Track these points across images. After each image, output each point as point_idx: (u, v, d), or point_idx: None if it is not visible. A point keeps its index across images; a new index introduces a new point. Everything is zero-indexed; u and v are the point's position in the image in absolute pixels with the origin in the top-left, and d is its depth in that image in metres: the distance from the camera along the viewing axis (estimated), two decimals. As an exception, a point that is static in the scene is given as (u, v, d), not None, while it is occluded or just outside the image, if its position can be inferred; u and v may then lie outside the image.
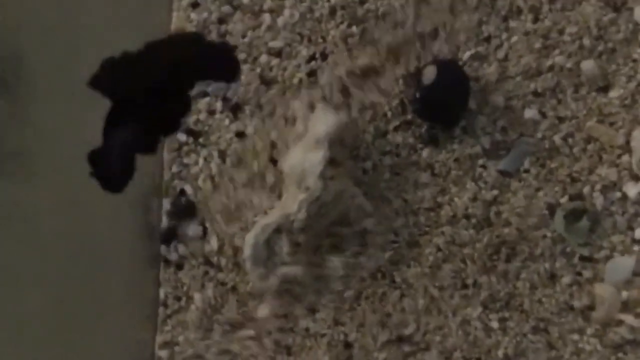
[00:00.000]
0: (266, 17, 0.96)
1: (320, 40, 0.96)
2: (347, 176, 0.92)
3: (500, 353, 0.94)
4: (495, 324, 0.93)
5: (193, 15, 0.97)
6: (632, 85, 0.93)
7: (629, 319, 0.92)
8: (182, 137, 0.96)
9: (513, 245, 0.94)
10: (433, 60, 0.91)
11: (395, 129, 0.95)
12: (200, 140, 0.97)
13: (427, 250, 0.94)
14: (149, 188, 0.94)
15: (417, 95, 0.91)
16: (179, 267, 0.96)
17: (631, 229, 0.93)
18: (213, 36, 0.96)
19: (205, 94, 0.96)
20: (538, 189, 0.94)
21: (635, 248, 0.93)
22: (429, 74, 0.90)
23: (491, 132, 0.94)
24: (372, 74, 0.94)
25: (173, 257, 0.95)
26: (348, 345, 0.95)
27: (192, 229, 0.95)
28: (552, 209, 0.94)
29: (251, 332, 0.95)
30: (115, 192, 0.71)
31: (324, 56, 0.95)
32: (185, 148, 0.96)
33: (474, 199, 0.94)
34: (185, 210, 0.95)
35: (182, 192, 0.96)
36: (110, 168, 0.70)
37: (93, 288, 0.86)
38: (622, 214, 0.93)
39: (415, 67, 0.92)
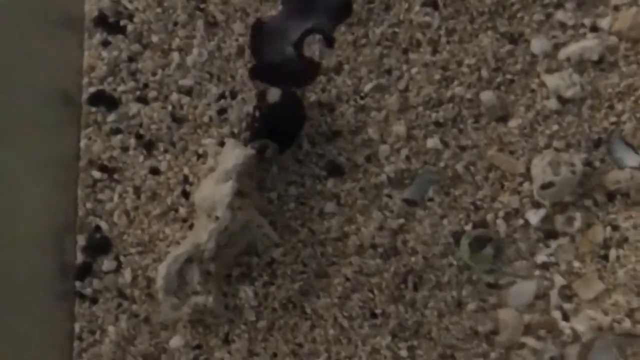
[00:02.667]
0: (175, 56, 1.03)
1: (229, 78, 1.03)
2: (253, 206, 0.99)
3: (409, 380, 0.99)
4: (404, 353, 1.00)
5: (104, 54, 1.04)
6: (530, 115, 0.99)
7: (531, 341, 0.98)
8: (96, 174, 1.02)
9: (420, 273, 1.00)
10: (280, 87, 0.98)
11: (299, 161, 1.01)
12: (115, 176, 1.03)
13: (335, 280, 1.01)
14: (63, 225, 1.01)
15: (257, 113, 0.98)
16: (94, 301, 1.02)
17: (533, 254, 0.99)
18: (124, 74, 1.03)
19: (118, 130, 1.03)
20: (443, 217, 1.00)
21: (537, 273, 0.99)
22: (272, 95, 0.98)
23: (395, 161, 1.00)
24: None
25: (87, 291, 1.01)
26: (262, 375, 1.01)
27: (107, 264, 1.02)
28: (457, 236, 1.00)
29: (165, 364, 1.01)
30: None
31: (233, 94, 1.02)
32: (99, 184, 1.03)
33: (380, 228, 1.00)
34: (99, 245, 1.02)
35: (97, 228, 1.02)
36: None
37: (8, 324, 0.91)
38: (524, 240, 0.99)
39: (260, 91, 0.99)
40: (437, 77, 0.98)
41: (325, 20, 0.88)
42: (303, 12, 0.94)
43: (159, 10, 1.01)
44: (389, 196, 1.00)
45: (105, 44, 1.04)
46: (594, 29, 0.97)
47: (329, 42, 0.93)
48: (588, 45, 0.96)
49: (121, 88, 1.05)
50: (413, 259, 0.99)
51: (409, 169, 0.99)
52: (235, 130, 0.99)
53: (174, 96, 1.01)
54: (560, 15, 0.98)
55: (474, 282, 0.98)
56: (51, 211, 0.97)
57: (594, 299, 1.00)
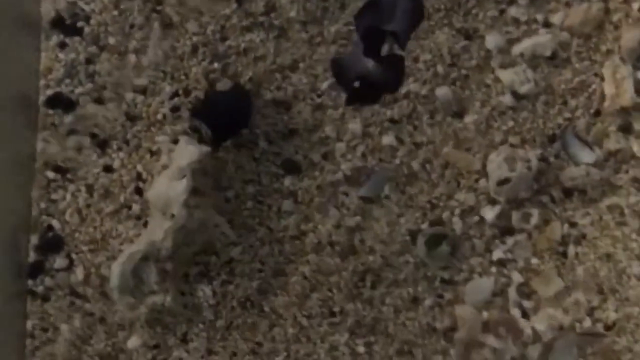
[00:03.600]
0: (131, 57, 1.04)
1: (183, 77, 1.04)
2: (210, 205, 1.00)
3: (366, 377, 1.00)
4: (361, 349, 1.01)
5: (61, 56, 1.05)
6: (486, 111, 1.01)
7: (490, 339, 0.99)
8: (50, 174, 1.03)
9: (378, 272, 1.01)
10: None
11: (255, 159, 1.02)
12: (68, 176, 1.04)
13: (293, 279, 1.02)
14: (16, 224, 1.01)
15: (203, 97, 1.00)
16: (45, 299, 1.02)
17: (489, 251, 1.01)
18: (81, 76, 1.04)
19: (74, 131, 1.04)
20: (399, 215, 1.02)
21: (493, 269, 1.01)
22: (223, 84, 0.99)
23: (351, 158, 1.02)
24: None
25: (39, 289, 1.02)
26: (221, 374, 1.01)
27: (59, 262, 1.02)
28: (413, 234, 1.01)
29: (122, 364, 1.01)
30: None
31: (187, 92, 1.04)
32: (53, 184, 1.03)
33: (338, 226, 1.02)
34: (52, 244, 1.02)
35: (50, 227, 1.03)
36: None
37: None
38: (480, 237, 1.01)
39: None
40: (392, 74, 0.99)
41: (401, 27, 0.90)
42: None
43: (115, 12, 1.03)
44: (346, 194, 1.01)
45: (62, 45, 1.06)
46: (547, 24, 1.00)
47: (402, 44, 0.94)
48: (541, 41, 0.99)
49: (78, 90, 1.06)
50: (371, 257, 1.01)
51: (365, 167, 1.00)
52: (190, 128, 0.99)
53: (129, 95, 1.01)
54: (513, 11, 1.00)
55: (430, 279, 0.99)
56: (6, 212, 0.98)
57: (553, 296, 1.01)
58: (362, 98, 0.88)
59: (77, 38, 1.06)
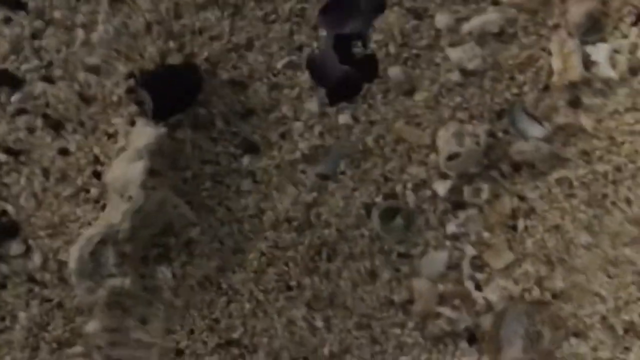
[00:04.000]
0: (80, 33, 1.03)
1: (137, 56, 1.04)
2: (168, 186, 1.01)
3: (326, 351, 1.04)
4: (319, 323, 1.04)
5: (6, 31, 1.03)
6: (435, 88, 1.05)
7: (446, 311, 1.04)
8: (1, 156, 1.02)
9: (334, 245, 1.04)
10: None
11: (213, 139, 1.04)
12: (21, 158, 1.03)
13: (251, 255, 1.04)
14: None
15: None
16: (2, 286, 1.02)
17: (443, 225, 1.05)
18: (27, 52, 1.03)
19: (24, 111, 1.03)
20: (354, 190, 1.05)
21: (448, 243, 1.05)
22: (174, 59, 1.02)
23: (309, 137, 1.04)
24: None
25: (-5, 277, 1.00)
26: (179, 352, 1.04)
27: (15, 248, 1.02)
28: (368, 208, 1.04)
29: (80, 349, 1.03)
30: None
31: (143, 73, 1.03)
32: (5, 168, 1.03)
33: (295, 202, 1.04)
34: (6, 230, 1.02)
35: (4, 212, 1.02)
36: None
37: None
38: (433, 211, 1.05)
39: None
40: (347, 53, 1.01)
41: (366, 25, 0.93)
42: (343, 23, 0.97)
43: (59, -16, 0.98)
44: (304, 172, 1.04)
45: (6, 21, 1.04)
46: (495, 2, 1.03)
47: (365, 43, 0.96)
48: (489, 18, 1.01)
49: (25, 67, 1.04)
50: (327, 231, 1.03)
51: (322, 145, 1.02)
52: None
53: (81, 75, 1.01)
54: (461, -11, 1.02)
55: (386, 252, 1.02)
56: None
57: (504, 268, 1.05)
58: (343, 96, 0.90)
59: (21, 12, 1.05)
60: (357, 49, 0.97)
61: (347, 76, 0.94)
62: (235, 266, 1.02)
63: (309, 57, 0.95)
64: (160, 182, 0.98)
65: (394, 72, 1.01)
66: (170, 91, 1.03)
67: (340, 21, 0.88)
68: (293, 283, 1.04)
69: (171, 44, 1.02)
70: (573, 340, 1.02)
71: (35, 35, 1.04)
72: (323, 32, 1.00)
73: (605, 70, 1.01)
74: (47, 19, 1.05)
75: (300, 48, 1.03)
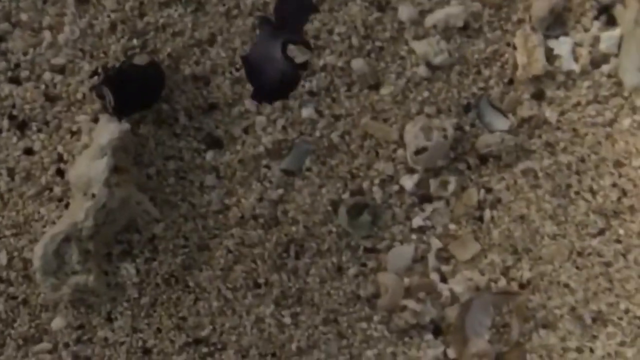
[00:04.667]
0: (46, 34, 1.05)
1: (102, 55, 1.06)
2: (132, 183, 1.02)
3: (293, 346, 1.05)
4: (287, 320, 1.05)
5: (-28, 34, 1.04)
6: (401, 82, 1.06)
7: (411, 303, 1.05)
8: (-33, 158, 1.03)
9: (301, 242, 1.06)
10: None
11: (176, 135, 1.05)
12: (-13, 159, 1.04)
13: (217, 253, 1.05)
14: None
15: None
16: (-32, 286, 1.02)
17: (409, 219, 1.06)
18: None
19: None
20: (321, 186, 1.06)
21: (414, 237, 1.06)
22: (141, 59, 1.04)
23: (272, 132, 1.05)
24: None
25: (-39, 276, 1.02)
26: (147, 351, 1.05)
27: (-20, 247, 1.03)
28: (335, 205, 1.06)
29: (47, 346, 1.04)
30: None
31: (107, 70, 1.05)
32: (-29, 168, 1.03)
33: (261, 199, 1.06)
34: (-28, 230, 1.03)
35: (-31, 212, 1.03)
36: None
37: None
38: (400, 205, 1.06)
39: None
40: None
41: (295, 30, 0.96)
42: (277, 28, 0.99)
43: (26, -13, 1.01)
44: (268, 167, 1.06)
45: (-28, 24, 1.01)
46: (458, -5, 1.03)
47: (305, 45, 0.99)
48: (453, 12, 1.03)
49: (-9, 68, 1.01)
50: (294, 228, 1.05)
51: (285, 140, 1.03)
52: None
53: (47, 75, 1.03)
54: (423, -18, 1.04)
55: (353, 248, 1.04)
56: None
57: (470, 259, 1.07)
58: (270, 95, 0.93)
59: (-12, 14, 1.01)
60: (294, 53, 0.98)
61: (283, 76, 0.95)
62: (202, 264, 1.02)
63: (245, 55, 0.96)
64: (123, 178, 1.00)
65: (358, 64, 1.02)
66: (132, 88, 1.04)
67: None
68: (261, 280, 1.05)
69: (135, 42, 1.03)
70: (542, 332, 1.02)
71: (2, 37, 1.07)
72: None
73: (568, 63, 1.05)
74: (13, 22, 1.07)
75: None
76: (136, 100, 1.01)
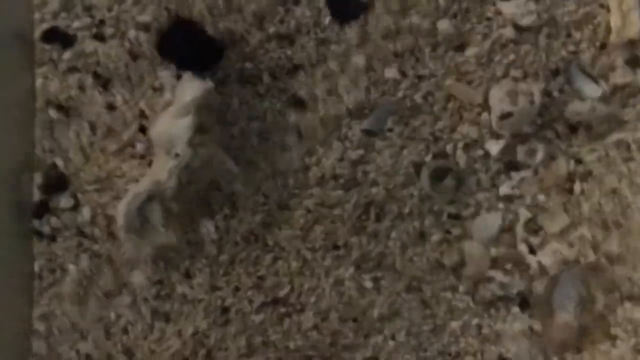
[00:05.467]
0: (131, -10, 1.07)
1: (186, 12, 1.07)
2: (215, 142, 1.04)
3: (375, 313, 1.06)
4: (369, 284, 1.06)
5: (56, -11, 1.05)
6: (487, 44, 1.06)
7: (498, 275, 1.05)
8: (53, 113, 1.07)
9: (382, 204, 1.06)
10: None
11: (259, 95, 1.06)
12: (71, 114, 1.08)
13: (297, 212, 1.07)
14: (19, 163, 1.06)
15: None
16: (52, 239, 1.08)
17: (495, 186, 1.06)
18: (78, 10, 1.08)
19: (75, 69, 1.08)
20: (402, 148, 1.06)
21: (501, 205, 1.06)
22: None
23: (354, 92, 1.06)
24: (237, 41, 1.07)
25: (46, 230, 1.07)
26: (225, 309, 1.07)
27: (64, 201, 1.07)
28: (417, 167, 1.06)
29: (127, 300, 1.07)
30: None
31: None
32: (56, 123, 1.08)
33: (341, 159, 1.06)
34: (56, 183, 1.07)
35: (54, 165, 1.07)
36: None
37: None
38: (485, 171, 1.06)
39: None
40: (395, 7, 1.03)
41: None
42: None
43: (112, -61, 1.03)
44: (349, 127, 1.06)
45: (56, -21, 1.04)
46: (551, -45, 1.02)
47: None
48: (544, -29, 1.01)
49: (76, 24, 1.08)
50: (374, 190, 1.06)
51: (368, 100, 1.04)
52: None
53: (132, 33, 1.05)
54: (516, -58, 1.03)
55: (436, 213, 1.04)
56: (8, 151, 1.02)
57: (559, 232, 1.06)
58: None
59: (73, -30, 1.04)
60: None
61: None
62: (281, 222, 1.03)
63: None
64: (206, 138, 1.01)
65: (443, 25, 1.03)
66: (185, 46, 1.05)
67: None
68: (340, 242, 1.06)
69: (219, 0, 1.02)
70: (627, 305, 1.00)
71: (86, -8, 1.04)
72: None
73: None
74: (99, -22, 1.04)
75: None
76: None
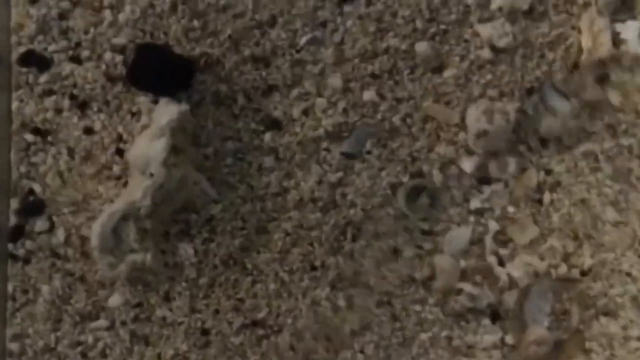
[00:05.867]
0: (107, 13, 1.09)
1: (162, 35, 1.09)
2: (190, 163, 1.06)
3: (346, 329, 1.08)
4: (342, 302, 1.08)
5: (32, 11, 1.09)
6: (464, 65, 1.08)
7: (467, 287, 1.07)
8: (29, 137, 1.08)
9: (359, 225, 1.08)
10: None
11: (234, 116, 1.08)
12: (49, 138, 1.08)
13: (275, 235, 1.08)
14: (-4, 188, 1.04)
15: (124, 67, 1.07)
16: (26, 261, 1.09)
17: (467, 200, 1.08)
18: (54, 33, 1.08)
19: (51, 92, 1.08)
20: (381, 169, 1.08)
21: (471, 219, 1.08)
22: (128, 52, 1.06)
23: (332, 114, 1.08)
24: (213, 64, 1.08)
25: (20, 252, 1.08)
26: (205, 332, 1.09)
27: (40, 225, 1.08)
28: (394, 188, 1.08)
29: (104, 323, 1.08)
30: None
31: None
32: (33, 147, 1.09)
33: (320, 182, 1.08)
34: (33, 208, 1.07)
35: (31, 191, 1.08)
36: None
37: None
38: (458, 187, 1.08)
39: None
40: (372, 29, 1.05)
41: None
42: None
43: (87, -33, 1.05)
44: (327, 150, 1.08)
45: (33, 1, 1.09)
46: (524, -21, 1.04)
47: None
48: (519, -6, 1.03)
49: (52, 47, 1.10)
50: (352, 211, 1.07)
51: (346, 122, 1.06)
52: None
53: (108, 55, 1.05)
54: (491, -34, 1.05)
55: (410, 230, 1.07)
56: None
57: (529, 243, 1.09)
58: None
59: (48, -8, 1.05)
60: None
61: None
62: (260, 246, 1.04)
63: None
64: (181, 158, 1.02)
65: (422, 47, 1.04)
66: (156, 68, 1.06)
67: None
68: (317, 263, 1.08)
69: (195, 23, 1.04)
70: (603, 320, 1.02)
71: (63, 16, 1.10)
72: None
73: (634, 46, 1.04)
74: (74, 0, 1.09)
75: (324, 24, 1.06)
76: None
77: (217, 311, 1.07)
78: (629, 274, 1.05)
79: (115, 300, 1.06)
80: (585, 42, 1.06)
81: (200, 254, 1.07)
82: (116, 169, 1.08)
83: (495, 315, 1.08)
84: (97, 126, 1.08)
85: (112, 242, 1.03)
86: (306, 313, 1.06)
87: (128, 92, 1.08)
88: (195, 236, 1.07)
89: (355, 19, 1.07)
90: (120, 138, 1.08)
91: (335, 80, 1.06)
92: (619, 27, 1.05)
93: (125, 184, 1.08)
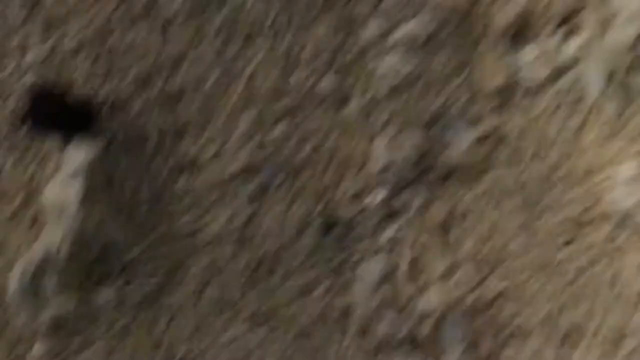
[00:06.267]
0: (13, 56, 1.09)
1: (68, 77, 1.10)
2: (106, 206, 1.06)
3: (266, 364, 1.09)
4: (261, 337, 1.10)
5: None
6: (367, 98, 1.10)
7: (385, 318, 1.10)
8: (-62, 185, 1.07)
9: (272, 260, 1.10)
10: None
11: (148, 157, 1.09)
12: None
13: (190, 274, 1.09)
14: None
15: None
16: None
17: (378, 233, 1.12)
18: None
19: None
20: (291, 204, 1.10)
21: (384, 251, 1.11)
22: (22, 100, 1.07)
23: (243, 153, 1.10)
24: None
25: None
26: (124, 373, 1.09)
27: (-46, 276, 1.07)
28: (305, 222, 1.10)
29: (26, 375, 1.07)
30: None
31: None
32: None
33: (231, 220, 1.10)
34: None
35: (-59, 238, 1.07)
36: None
37: None
38: (369, 220, 1.11)
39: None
40: (281, 64, 1.08)
41: None
42: None
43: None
44: (238, 187, 1.10)
45: None
46: (418, 12, 1.09)
47: None
48: (416, 27, 1.10)
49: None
50: (265, 247, 1.08)
51: (256, 160, 1.08)
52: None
53: (13, 99, 1.06)
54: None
55: (322, 265, 1.09)
56: None
57: (440, 275, 1.10)
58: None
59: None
60: None
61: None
62: (175, 285, 1.05)
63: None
64: (96, 202, 1.01)
65: (327, 81, 1.05)
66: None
67: None
68: (234, 299, 1.06)
69: (101, 63, 1.05)
70: (514, 343, 1.06)
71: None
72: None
73: (531, 74, 1.07)
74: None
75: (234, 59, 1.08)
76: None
77: (135, 350, 1.07)
78: (538, 297, 1.09)
79: (36, 350, 1.08)
80: (483, 70, 1.08)
81: (117, 297, 1.06)
82: (29, 214, 1.08)
83: (413, 344, 1.10)
84: (8, 167, 1.10)
85: (31, 292, 1.04)
86: (226, 349, 1.06)
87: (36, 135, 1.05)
88: (112, 280, 1.08)
89: (265, 53, 1.10)
90: (32, 180, 1.07)
91: (247, 116, 1.11)
92: (515, 54, 1.10)
93: (39, 231, 1.07)
